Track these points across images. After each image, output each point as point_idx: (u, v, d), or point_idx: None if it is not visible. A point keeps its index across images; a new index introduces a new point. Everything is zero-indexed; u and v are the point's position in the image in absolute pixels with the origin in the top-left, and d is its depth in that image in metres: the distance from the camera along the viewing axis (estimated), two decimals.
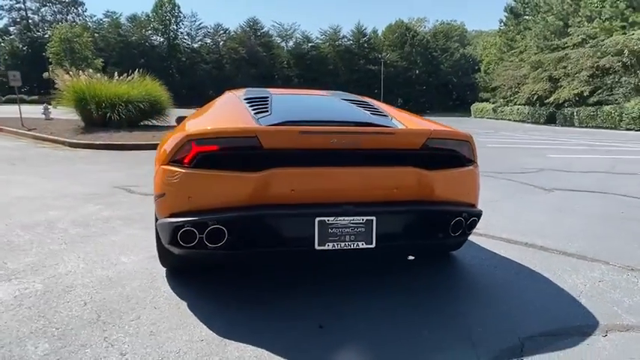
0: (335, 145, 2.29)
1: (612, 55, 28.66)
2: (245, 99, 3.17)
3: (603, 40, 29.77)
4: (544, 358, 1.91)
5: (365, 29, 60.86)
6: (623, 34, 28.96)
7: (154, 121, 14.19)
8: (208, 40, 64.65)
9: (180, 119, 4.46)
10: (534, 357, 1.92)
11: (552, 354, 1.94)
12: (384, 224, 2.33)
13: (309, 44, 62.35)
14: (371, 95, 3.83)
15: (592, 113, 30.43)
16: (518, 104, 38.24)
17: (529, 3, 41.57)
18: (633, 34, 27.61)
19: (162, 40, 62.32)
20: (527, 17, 41.95)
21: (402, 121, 2.77)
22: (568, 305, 2.43)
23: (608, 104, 29.43)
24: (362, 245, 2.29)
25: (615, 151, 11.71)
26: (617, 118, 28.07)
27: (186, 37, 63.70)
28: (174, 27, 62.16)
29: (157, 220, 2.46)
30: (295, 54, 61.33)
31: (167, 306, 2.32)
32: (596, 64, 29.77)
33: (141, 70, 14.98)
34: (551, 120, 35.35)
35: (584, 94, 30.66)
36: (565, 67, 32.59)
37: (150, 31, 60.87)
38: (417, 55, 56.53)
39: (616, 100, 29.32)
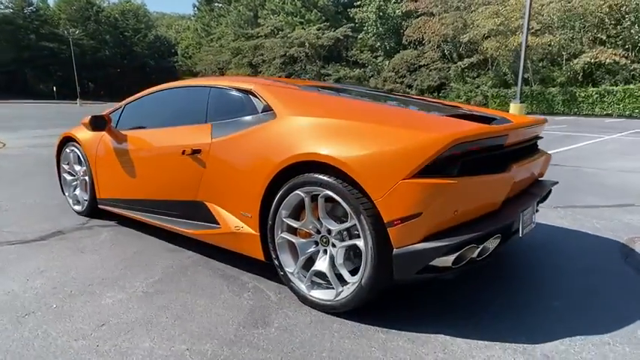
0: (524, 138, 2.39)
1: (298, 47, 34.46)
2: (319, 88, 2.68)
3: (289, 32, 35.25)
4: None
5: None
6: (302, 28, 35.11)
7: None
8: None
9: (97, 120, 3.16)
10: None
11: None
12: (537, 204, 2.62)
13: None
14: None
15: None
16: None
17: None
18: (311, 29, 33.95)
19: None
20: (219, 4, 44.52)
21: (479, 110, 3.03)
22: (604, 240, 3.37)
23: None
24: (533, 226, 2.52)
25: None
26: None
27: None
28: None
29: (386, 249, 1.90)
30: None
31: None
32: (287, 53, 35.10)
33: None
34: None
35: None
36: (262, 55, 36.88)
37: None
38: (106, 34, 50.86)
39: None
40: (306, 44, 33.99)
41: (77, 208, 3.85)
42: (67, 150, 3.85)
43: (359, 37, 33.67)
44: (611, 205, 4.22)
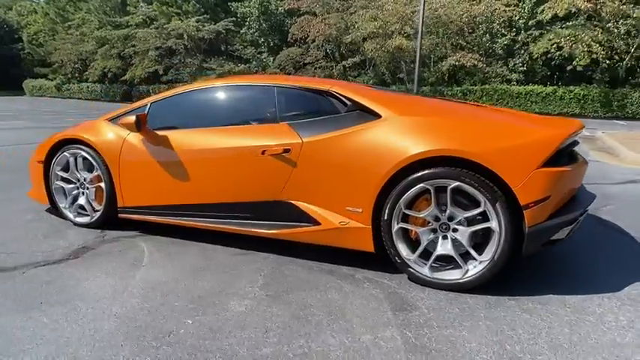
0: None
1: (176, 38, 32.50)
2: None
3: (165, 23, 32.99)
4: None
5: None
6: (180, 19, 33.19)
7: None
8: None
9: (140, 120, 2.98)
10: None
11: None
12: None
13: None
14: None
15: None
16: (90, 81, 36.51)
17: None
18: (189, 21, 32.29)
19: None
20: None
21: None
22: None
23: (179, 82, 33.48)
24: None
25: None
26: None
27: None
28: None
29: (516, 228, 2.25)
30: None
31: None
32: (164, 45, 32.82)
33: None
34: (128, 98, 36.25)
35: (159, 73, 33.42)
36: (134, 46, 33.86)
37: None
38: None
39: (184, 78, 33.74)
40: (185, 36, 32.28)
41: (81, 220, 3.38)
42: (67, 154, 3.35)
43: (241, 31, 33.18)
44: None
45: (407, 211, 2.44)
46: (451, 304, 2.29)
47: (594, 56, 17.99)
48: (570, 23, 19.41)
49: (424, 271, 2.46)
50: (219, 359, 1.81)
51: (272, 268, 2.72)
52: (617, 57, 18.53)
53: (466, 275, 2.38)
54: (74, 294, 2.35)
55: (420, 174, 2.37)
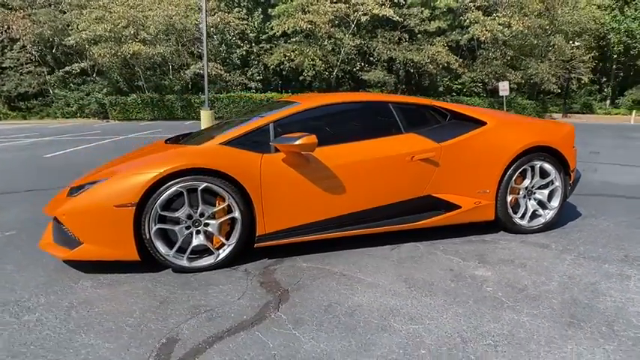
0: None
1: None
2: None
3: None
4: None
5: None
6: None
7: None
8: None
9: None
10: None
11: None
12: None
13: None
14: None
15: None
16: None
17: None
18: None
19: None
20: None
21: None
22: None
23: None
24: None
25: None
26: None
27: None
28: None
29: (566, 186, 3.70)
30: None
31: None
32: None
33: None
34: None
35: None
36: None
37: None
38: None
39: None
40: None
41: (201, 262, 2.80)
42: (178, 187, 2.65)
43: None
44: None
45: (514, 185, 3.53)
46: (556, 239, 3.45)
47: (317, 68, 22.42)
48: (294, 40, 23.36)
49: (524, 223, 3.59)
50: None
51: (437, 253, 3.21)
52: (330, 69, 23.66)
53: (545, 220, 3.67)
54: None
55: (523, 158, 3.47)
